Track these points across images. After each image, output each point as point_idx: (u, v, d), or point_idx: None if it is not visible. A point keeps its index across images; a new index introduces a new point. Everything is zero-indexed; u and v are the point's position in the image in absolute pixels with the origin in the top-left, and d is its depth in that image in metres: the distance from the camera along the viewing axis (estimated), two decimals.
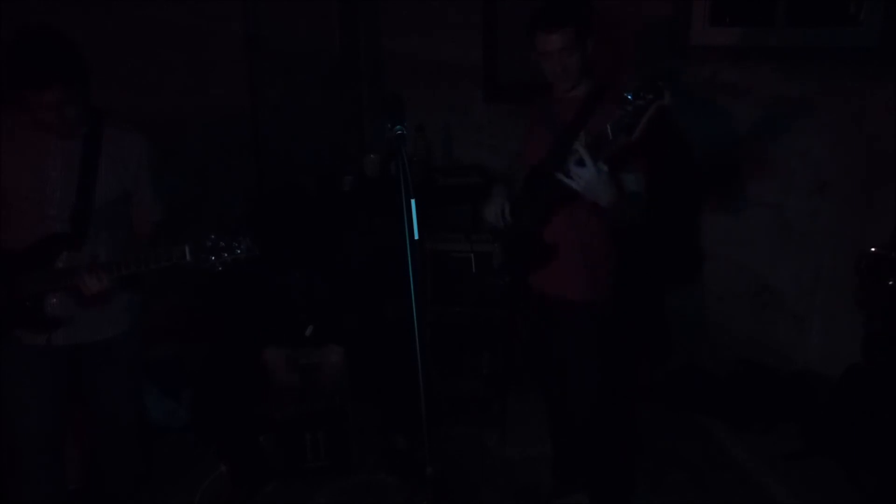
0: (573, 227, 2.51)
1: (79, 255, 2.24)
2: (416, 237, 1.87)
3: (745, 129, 3.58)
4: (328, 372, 3.07)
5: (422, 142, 4.13)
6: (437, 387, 3.56)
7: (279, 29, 3.96)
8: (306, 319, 3.11)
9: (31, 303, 2.26)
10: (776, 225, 3.62)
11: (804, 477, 3.10)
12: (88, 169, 2.25)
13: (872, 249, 2.82)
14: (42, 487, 2.47)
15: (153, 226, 2.43)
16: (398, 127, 1.96)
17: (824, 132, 3.38)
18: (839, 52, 3.43)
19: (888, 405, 2.99)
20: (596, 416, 2.67)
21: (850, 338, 3.42)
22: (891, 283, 2.78)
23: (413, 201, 1.87)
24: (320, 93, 4.22)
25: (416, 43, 4.18)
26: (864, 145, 3.31)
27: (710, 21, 3.72)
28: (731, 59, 3.63)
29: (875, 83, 3.23)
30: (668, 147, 2.50)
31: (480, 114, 4.24)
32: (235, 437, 3.02)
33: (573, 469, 2.95)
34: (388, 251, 2.44)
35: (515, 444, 3.37)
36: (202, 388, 3.34)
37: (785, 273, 3.65)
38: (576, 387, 2.68)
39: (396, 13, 4.23)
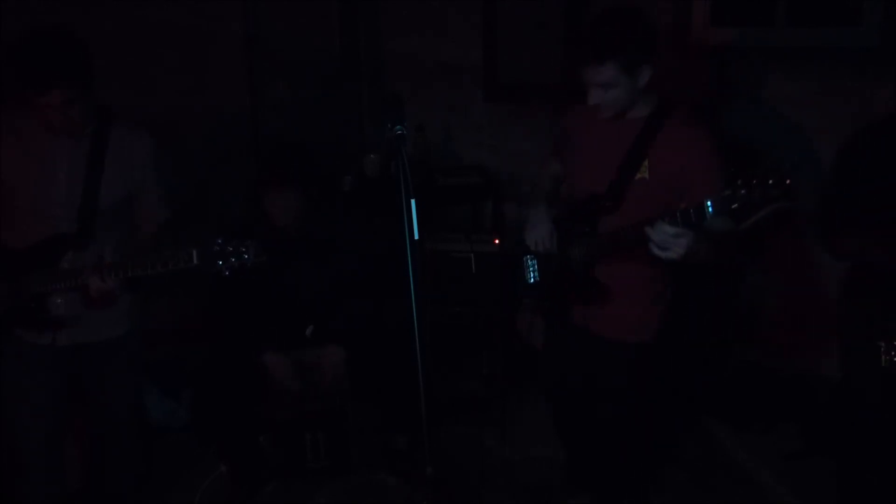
0: (626, 270, 2.29)
1: (84, 255, 2.24)
2: (416, 237, 1.87)
3: (745, 129, 3.58)
4: (328, 372, 3.06)
5: (422, 142, 4.12)
6: (437, 387, 3.56)
7: (279, 29, 3.96)
8: (306, 319, 3.11)
9: (34, 303, 2.25)
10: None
11: (804, 477, 3.10)
12: (94, 169, 2.25)
13: None
14: (42, 487, 2.47)
15: (158, 226, 2.43)
16: (398, 127, 1.96)
17: (824, 132, 3.38)
18: (839, 52, 3.43)
19: (888, 405, 2.98)
20: (627, 442, 2.58)
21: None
22: None
23: (413, 201, 1.87)
24: (320, 93, 4.21)
25: (416, 43, 4.17)
26: None
27: (711, 21, 3.73)
28: (731, 59, 3.63)
29: (875, 83, 3.23)
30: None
31: (480, 114, 4.23)
32: (235, 437, 3.02)
33: (585, 471, 2.91)
34: (388, 251, 2.43)
35: (515, 444, 3.37)
36: (202, 389, 3.33)
37: (785, 273, 3.64)
38: (609, 416, 2.52)
39: (396, 13, 4.23)
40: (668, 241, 1.94)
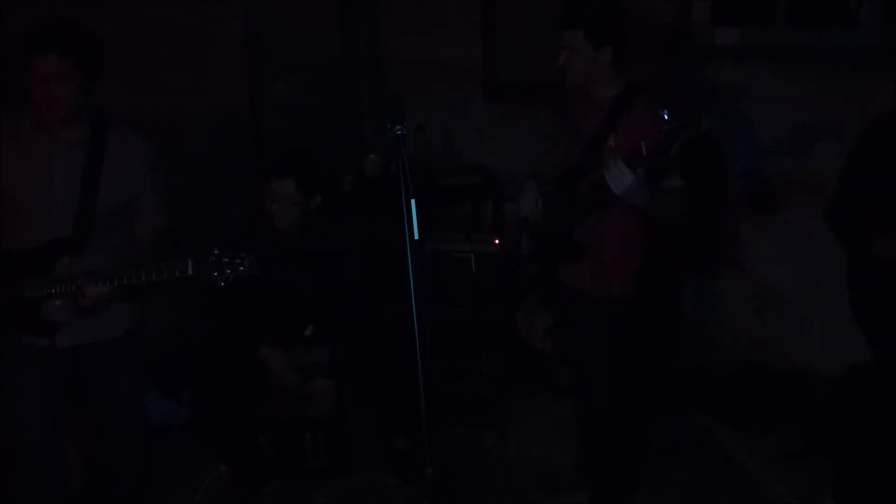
0: (604, 227, 2.56)
1: (81, 260, 2.23)
2: (416, 237, 1.87)
3: (745, 129, 3.58)
4: (325, 379, 3.06)
5: (422, 142, 4.12)
6: (437, 387, 3.56)
7: (279, 29, 3.96)
8: (306, 319, 3.11)
9: (30, 307, 2.25)
10: (776, 225, 3.62)
11: (804, 477, 3.10)
12: (91, 174, 2.24)
13: None
14: (42, 487, 2.46)
15: (156, 231, 2.43)
16: (398, 127, 1.97)
17: (824, 132, 3.38)
18: (839, 52, 3.43)
19: (889, 405, 2.99)
20: (607, 413, 2.70)
21: (850, 338, 3.42)
22: None
23: (413, 201, 1.87)
24: (320, 93, 4.21)
25: (416, 43, 4.17)
26: None
27: (711, 21, 3.73)
28: (731, 59, 3.63)
29: (875, 83, 3.23)
30: (703, 160, 2.67)
31: (480, 114, 4.23)
32: (235, 438, 3.02)
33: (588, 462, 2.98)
34: (388, 251, 2.44)
35: (515, 444, 3.37)
36: (202, 388, 3.33)
37: (785, 273, 3.65)
38: (591, 383, 2.75)
39: (396, 13, 4.23)
40: (615, 173, 2.30)
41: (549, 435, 3.37)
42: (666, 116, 2.17)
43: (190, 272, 2.11)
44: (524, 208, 2.71)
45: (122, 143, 2.30)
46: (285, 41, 4.01)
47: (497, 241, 3.52)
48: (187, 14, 3.65)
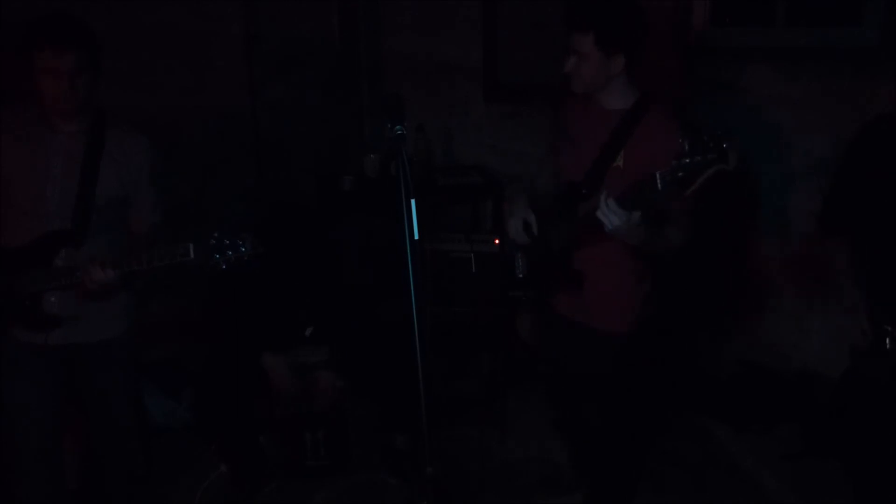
0: (604, 255, 2.31)
1: (78, 253, 2.24)
2: (416, 237, 1.87)
3: (746, 129, 3.58)
4: (328, 371, 3.07)
5: (422, 142, 4.13)
6: (437, 387, 3.56)
7: (279, 29, 3.96)
8: (306, 320, 3.11)
9: (29, 301, 2.25)
10: (777, 225, 3.62)
11: (804, 477, 3.10)
12: (89, 167, 2.25)
13: None
14: (41, 487, 2.47)
15: (152, 227, 2.43)
16: (398, 127, 1.95)
17: (824, 132, 3.38)
18: (839, 52, 3.43)
19: (888, 405, 2.99)
20: (611, 434, 2.59)
21: (850, 338, 3.42)
22: None
23: (413, 201, 1.87)
24: (320, 93, 4.22)
25: (416, 43, 4.18)
26: None
27: (711, 21, 3.73)
28: (732, 59, 3.63)
29: (875, 83, 3.23)
30: (725, 194, 2.43)
31: (480, 114, 4.24)
32: (235, 437, 3.02)
33: (586, 463, 2.93)
34: (388, 251, 2.44)
35: (515, 444, 3.37)
36: (202, 388, 3.34)
37: (785, 273, 3.65)
38: (593, 409, 2.58)
39: (396, 13, 4.24)
40: (605, 212, 2.04)
41: (549, 435, 3.37)
42: (687, 147, 1.85)
43: (191, 256, 2.10)
44: (510, 231, 2.43)
45: (120, 138, 2.31)
46: (285, 41, 4.01)
47: (497, 241, 3.52)
48: (187, 14, 3.66)
